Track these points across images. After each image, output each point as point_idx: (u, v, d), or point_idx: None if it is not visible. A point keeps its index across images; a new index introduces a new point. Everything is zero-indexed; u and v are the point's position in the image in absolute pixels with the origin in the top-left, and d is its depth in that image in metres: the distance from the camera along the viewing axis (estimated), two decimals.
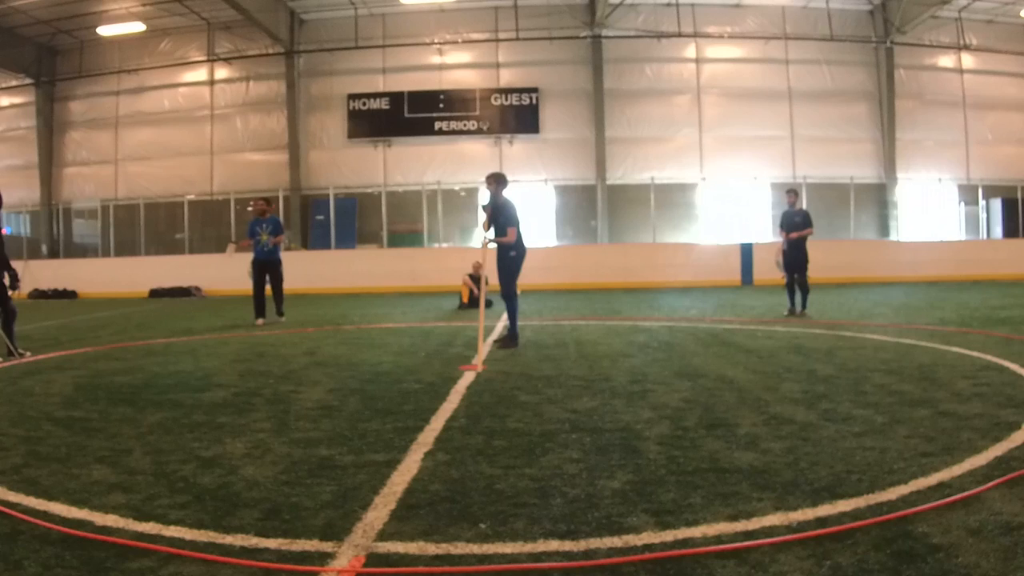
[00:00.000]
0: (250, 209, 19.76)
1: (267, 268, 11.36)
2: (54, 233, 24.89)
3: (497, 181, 7.98)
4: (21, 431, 4.32)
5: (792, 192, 11.26)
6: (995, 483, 2.98)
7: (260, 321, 11.10)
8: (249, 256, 11.57)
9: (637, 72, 22.51)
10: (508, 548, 2.49)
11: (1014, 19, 22.42)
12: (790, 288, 10.91)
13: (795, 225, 10.86)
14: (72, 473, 3.43)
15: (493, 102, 22.57)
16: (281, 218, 22.80)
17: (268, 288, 11.47)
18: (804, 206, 20.79)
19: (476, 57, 23.05)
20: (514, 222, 7.74)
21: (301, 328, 10.39)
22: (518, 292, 8.11)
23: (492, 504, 2.92)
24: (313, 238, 22.88)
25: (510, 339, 7.77)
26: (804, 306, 10.74)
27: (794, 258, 10.77)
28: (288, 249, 21.18)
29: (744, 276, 20.42)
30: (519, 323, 8.02)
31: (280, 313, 11.48)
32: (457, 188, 22.87)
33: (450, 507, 2.90)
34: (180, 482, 3.27)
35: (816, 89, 22.54)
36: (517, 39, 22.14)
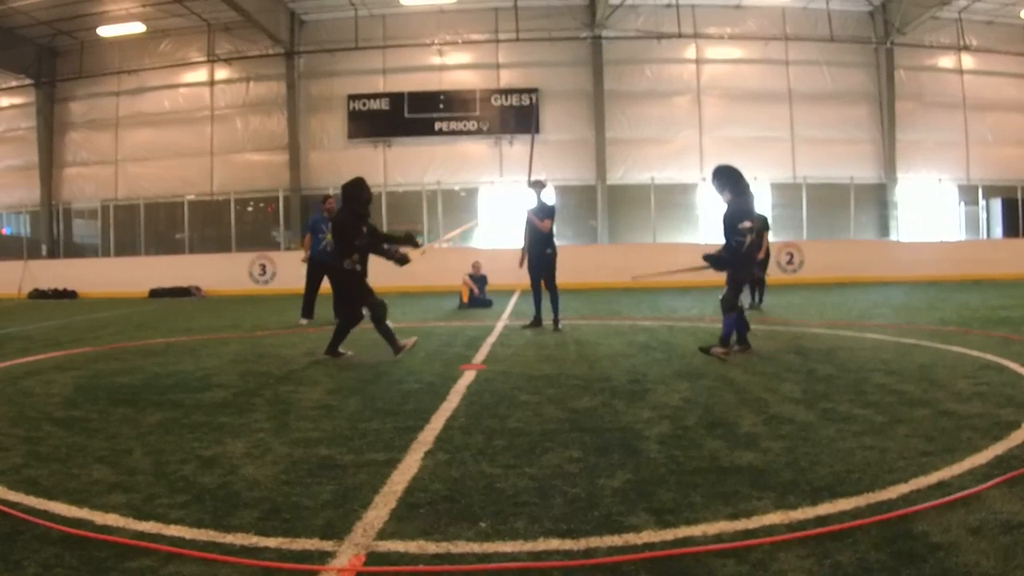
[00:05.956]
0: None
1: (326, 270, 10.79)
2: (54, 233, 24.87)
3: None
4: (21, 431, 4.31)
5: None
6: (995, 482, 2.98)
7: (304, 321, 10.83)
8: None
9: (637, 73, 22.50)
10: (508, 547, 2.49)
11: (1014, 20, 22.40)
12: (751, 284, 11.33)
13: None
14: (72, 473, 3.43)
15: (493, 103, 22.57)
16: (281, 218, 23.10)
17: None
18: (804, 206, 21.10)
19: (476, 58, 23.05)
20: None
21: (301, 328, 10.38)
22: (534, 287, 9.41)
23: (492, 503, 2.92)
24: (313, 239, 22.83)
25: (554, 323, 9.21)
26: (761, 301, 11.07)
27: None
28: (289, 249, 21.29)
29: None
30: (517, 321, 8.05)
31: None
32: (457, 188, 22.87)
33: (450, 506, 2.90)
34: (180, 482, 3.27)
35: (816, 90, 22.52)
36: (517, 40, 22.14)
